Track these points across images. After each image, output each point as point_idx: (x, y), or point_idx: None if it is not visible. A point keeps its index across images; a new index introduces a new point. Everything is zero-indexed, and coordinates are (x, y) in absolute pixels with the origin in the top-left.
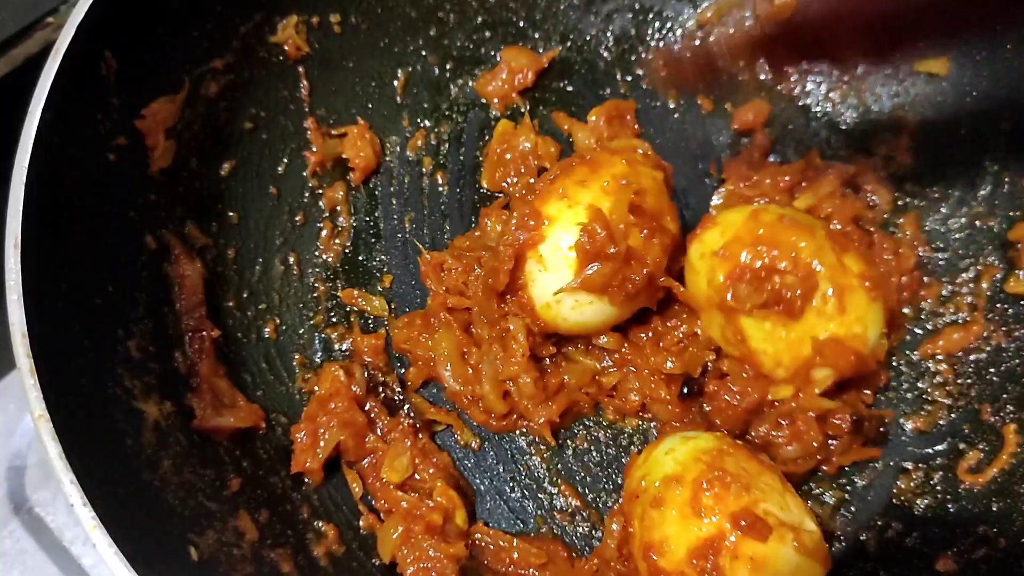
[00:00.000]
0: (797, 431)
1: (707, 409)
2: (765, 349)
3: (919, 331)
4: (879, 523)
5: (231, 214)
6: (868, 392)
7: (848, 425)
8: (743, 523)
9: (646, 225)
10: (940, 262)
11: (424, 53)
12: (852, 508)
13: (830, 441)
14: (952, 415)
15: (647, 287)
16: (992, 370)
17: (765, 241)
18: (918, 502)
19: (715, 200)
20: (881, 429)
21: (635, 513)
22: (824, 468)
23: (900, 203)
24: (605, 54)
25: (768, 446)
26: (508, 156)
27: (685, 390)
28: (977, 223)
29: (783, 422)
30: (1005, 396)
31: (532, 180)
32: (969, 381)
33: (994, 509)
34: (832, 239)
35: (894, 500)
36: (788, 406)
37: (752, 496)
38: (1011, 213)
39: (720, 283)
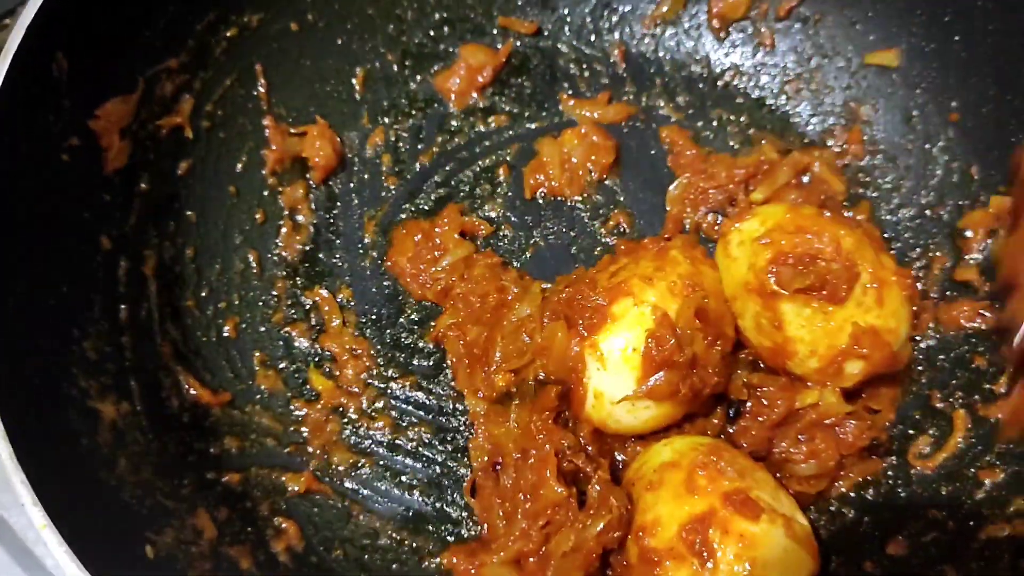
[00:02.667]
0: (815, 448)
1: (731, 431)
2: (802, 336)
3: None
4: (831, 508)
5: (189, 213)
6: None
7: (864, 440)
8: (735, 500)
9: (710, 332)
10: (892, 251)
11: (383, 50)
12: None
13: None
14: (903, 401)
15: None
16: (942, 356)
17: (808, 230)
18: (870, 488)
19: (673, 189)
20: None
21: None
22: (841, 486)
23: (853, 193)
24: (564, 49)
25: (785, 464)
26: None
27: (731, 412)
28: (928, 212)
29: (802, 438)
30: (954, 382)
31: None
32: (920, 368)
33: (943, 493)
34: (869, 235)
35: (846, 485)
36: (810, 418)
37: (746, 483)
38: (960, 202)
39: (763, 266)
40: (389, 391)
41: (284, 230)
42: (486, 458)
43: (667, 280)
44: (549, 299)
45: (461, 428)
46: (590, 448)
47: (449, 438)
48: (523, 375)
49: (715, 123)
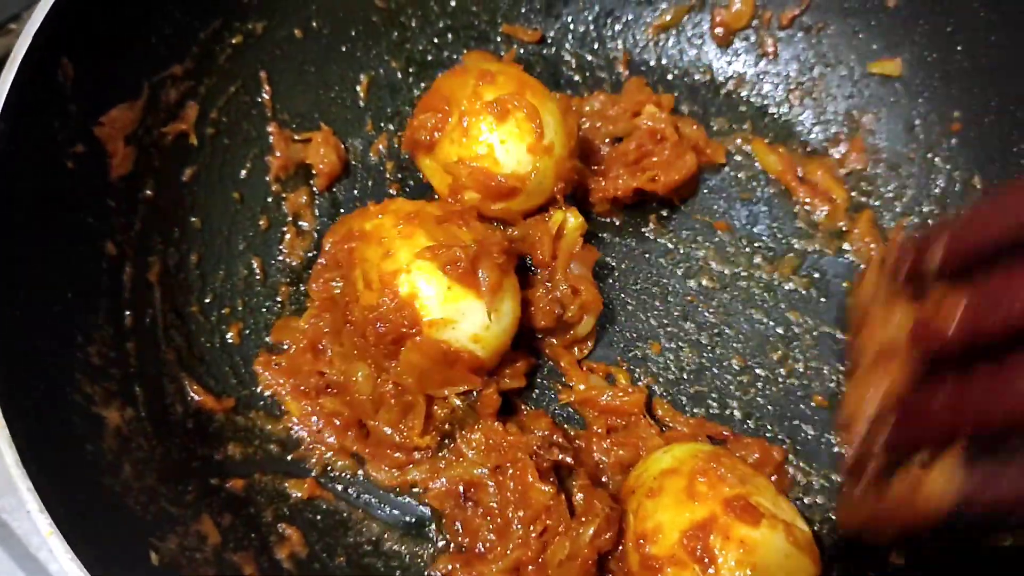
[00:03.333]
0: None
1: None
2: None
3: None
4: (831, 516)
5: (193, 219)
6: None
7: None
8: (736, 505)
9: None
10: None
11: (387, 57)
12: (807, 500)
13: None
14: None
15: None
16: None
17: None
18: None
19: None
20: None
21: (630, 508)
22: None
23: (855, 202)
24: (567, 56)
25: None
26: None
27: None
28: (930, 222)
29: None
30: None
31: None
32: None
33: None
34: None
35: None
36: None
37: (746, 488)
38: (963, 211)
39: None
40: None
41: (288, 236)
42: (452, 501)
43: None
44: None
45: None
46: (557, 437)
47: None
48: (433, 416)
49: (717, 131)
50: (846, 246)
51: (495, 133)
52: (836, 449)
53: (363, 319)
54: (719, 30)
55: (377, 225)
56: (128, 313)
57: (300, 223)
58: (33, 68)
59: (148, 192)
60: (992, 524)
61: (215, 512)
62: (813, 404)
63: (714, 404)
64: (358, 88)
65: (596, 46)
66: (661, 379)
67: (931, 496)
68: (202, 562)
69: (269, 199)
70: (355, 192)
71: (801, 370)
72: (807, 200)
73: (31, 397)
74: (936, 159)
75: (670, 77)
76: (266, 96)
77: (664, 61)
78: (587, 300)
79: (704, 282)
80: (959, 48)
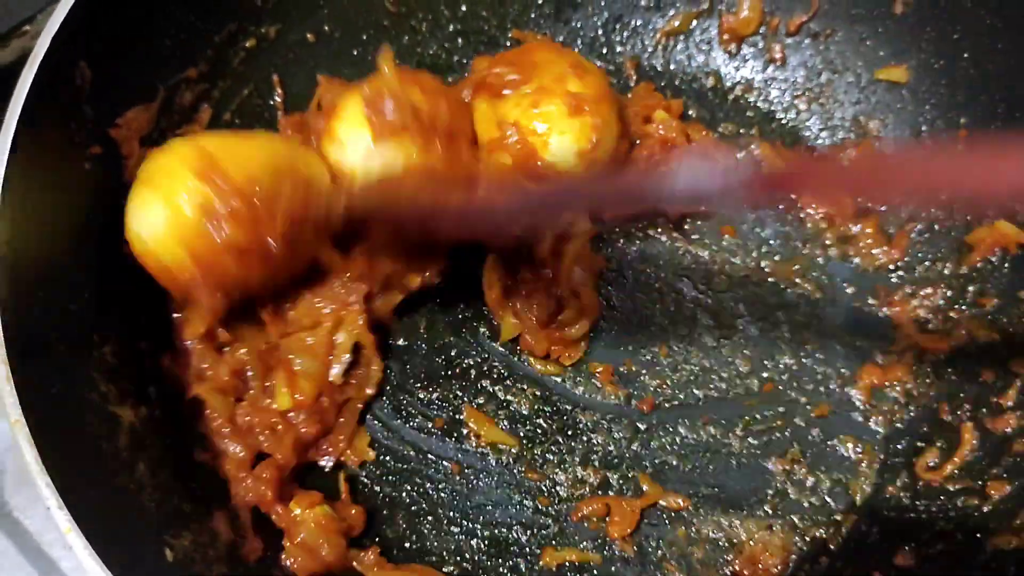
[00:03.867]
0: None
1: None
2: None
3: None
4: (838, 519)
5: None
6: None
7: None
8: None
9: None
10: (900, 264)
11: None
12: (814, 502)
13: None
14: (911, 414)
15: None
16: (950, 370)
17: None
18: (878, 499)
19: None
20: None
21: None
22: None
23: (861, 207)
24: None
25: None
26: None
27: None
28: (936, 227)
29: None
30: (962, 395)
31: None
32: (928, 381)
33: (951, 505)
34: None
35: (856, 497)
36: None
37: None
38: (968, 217)
39: None
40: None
41: None
42: None
43: None
44: None
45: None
46: None
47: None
48: None
49: (725, 136)
50: (852, 251)
51: (559, 123)
52: (841, 452)
53: None
54: (727, 36)
55: None
56: (143, 314)
57: None
58: (51, 71)
59: None
60: None
61: (228, 509)
62: (816, 413)
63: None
64: None
65: (605, 51)
66: (669, 381)
67: None
68: (215, 559)
69: None
70: None
71: (806, 375)
72: (814, 205)
73: (49, 396)
74: None
75: (678, 82)
76: (278, 99)
77: (672, 67)
78: (586, 304)
79: (711, 285)
80: (966, 55)
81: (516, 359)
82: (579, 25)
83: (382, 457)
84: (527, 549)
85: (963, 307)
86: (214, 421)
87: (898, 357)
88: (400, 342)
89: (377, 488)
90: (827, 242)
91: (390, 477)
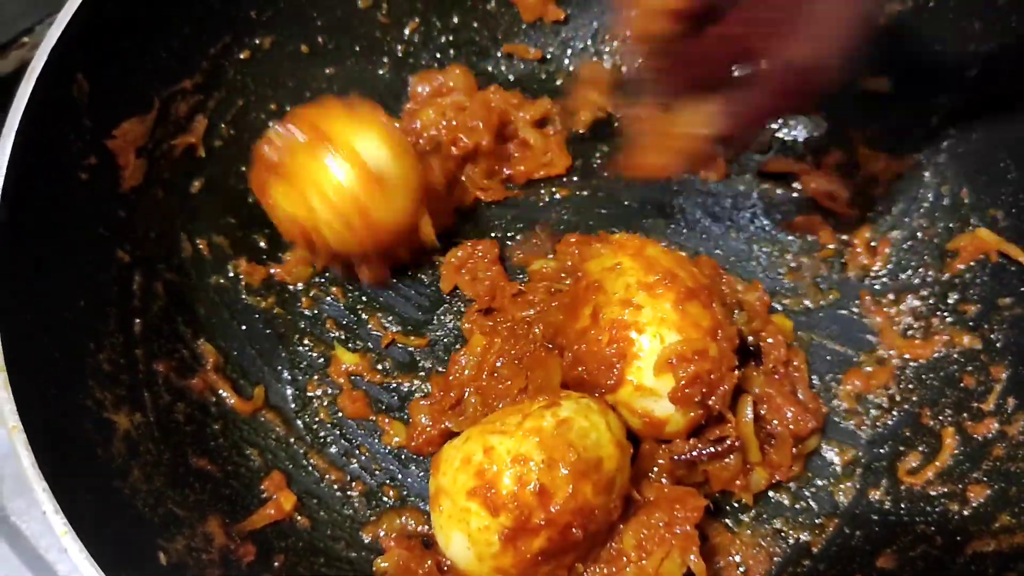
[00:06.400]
0: None
1: None
2: None
3: None
4: (821, 522)
5: None
6: None
7: None
8: None
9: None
10: (883, 271)
11: (391, 73)
12: (797, 507)
13: None
14: (894, 419)
15: None
16: (931, 375)
17: None
18: (861, 503)
19: None
20: None
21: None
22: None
23: (847, 215)
24: (570, 67)
25: None
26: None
27: None
28: (919, 235)
29: None
30: (944, 400)
31: None
32: (911, 386)
33: (932, 508)
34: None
35: (839, 501)
36: None
37: None
38: (950, 224)
39: None
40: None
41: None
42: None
43: None
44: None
45: None
46: None
47: None
48: None
49: None
50: (840, 259)
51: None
52: (825, 457)
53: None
54: None
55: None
56: (138, 320)
57: None
58: (49, 83)
59: (158, 203)
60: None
61: (222, 513)
62: None
63: None
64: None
65: (594, 61)
66: None
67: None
68: (209, 563)
69: None
70: None
71: None
72: (802, 214)
73: (46, 402)
74: (925, 173)
75: None
76: (273, 109)
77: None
78: None
79: None
80: (947, 64)
81: None
82: (569, 36)
83: None
84: None
85: (945, 314)
86: None
87: (881, 363)
88: None
89: None
90: (815, 250)
91: None
